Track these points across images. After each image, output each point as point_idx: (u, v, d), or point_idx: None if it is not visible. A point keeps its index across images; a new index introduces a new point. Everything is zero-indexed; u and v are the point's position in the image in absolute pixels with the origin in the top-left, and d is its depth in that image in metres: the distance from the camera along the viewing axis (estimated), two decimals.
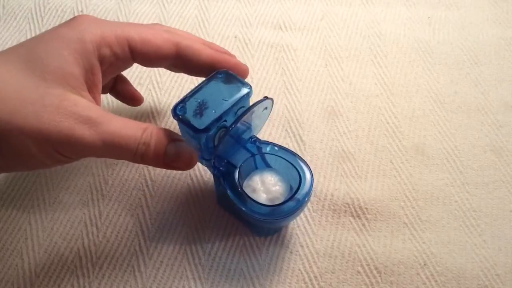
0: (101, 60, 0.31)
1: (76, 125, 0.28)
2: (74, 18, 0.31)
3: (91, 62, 0.30)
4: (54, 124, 0.27)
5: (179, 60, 0.35)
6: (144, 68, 0.50)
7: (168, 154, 0.31)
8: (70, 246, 0.39)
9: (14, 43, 0.51)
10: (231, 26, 0.54)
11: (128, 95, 0.43)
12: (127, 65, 0.35)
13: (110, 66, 0.32)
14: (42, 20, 0.53)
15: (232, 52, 0.52)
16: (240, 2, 0.56)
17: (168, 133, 0.32)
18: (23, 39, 0.51)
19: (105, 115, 0.29)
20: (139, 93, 0.44)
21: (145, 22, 0.54)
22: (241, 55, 0.52)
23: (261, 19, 0.55)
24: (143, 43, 0.32)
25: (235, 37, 0.53)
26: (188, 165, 0.32)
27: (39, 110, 0.27)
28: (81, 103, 0.29)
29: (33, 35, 0.52)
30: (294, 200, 0.35)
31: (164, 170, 0.43)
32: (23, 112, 0.27)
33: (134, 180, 0.43)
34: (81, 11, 0.54)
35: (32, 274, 0.38)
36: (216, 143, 0.35)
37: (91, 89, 0.31)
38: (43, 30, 0.53)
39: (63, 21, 0.53)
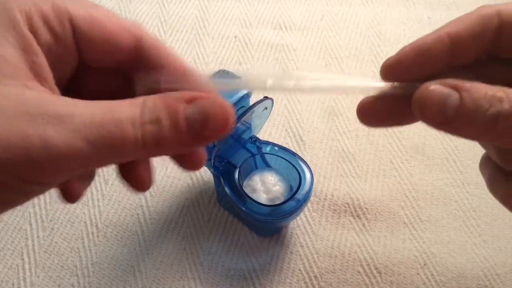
0: (34, 35, 0.20)
1: (34, 130, 0.17)
2: None
3: (24, 37, 0.19)
4: (5, 140, 0.17)
5: (136, 60, 0.23)
6: None
7: (192, 120, 0.20)
8: (70, 246, 0.39)
9: None
10: (231, 26, 0.54)
11: (133, 175, 0.25)
12: (69, 54, 0.22)
13: (49, 51, 0.21)
14: None
15: (232, 52, 0.52)
16: (240, 2, 0.56)
17: (178, 94, 0.21)
18: None
19: (76, 103, 0.19)
20: (150, 174, 0.25)
21: (145, 22, 0.54)
22: (241, 55, 0.52)
23: (261, 19, 0.55)
24: (92, 22, 0.22)
25: (235, 37, 0.53)
26: (226, 124, 0.20)
27: None
28: (30, 98, 0.18)
29: None
30: (294, 200, 0.35)
31: (164, 169, 0.43)
32: None
33: None
34: None
35: (32, 274, 0.38)
36: (216, 143, 0.35)
37: (38, 75, 0.20)
38: None
39: None
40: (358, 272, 0.39)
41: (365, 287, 0.38)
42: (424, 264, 0.39)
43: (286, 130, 0.46)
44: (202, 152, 0.24)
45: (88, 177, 0.25)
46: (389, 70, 0.25)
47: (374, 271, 0.39)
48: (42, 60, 0.20)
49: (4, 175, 0.17)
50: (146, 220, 0.41)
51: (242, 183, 0.37)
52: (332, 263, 0.39)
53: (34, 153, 0.17)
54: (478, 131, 0.21)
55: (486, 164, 0.28)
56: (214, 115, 0.20)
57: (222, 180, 0.37)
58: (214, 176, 0.38)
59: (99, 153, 0.19)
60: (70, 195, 0.23)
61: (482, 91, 0.21)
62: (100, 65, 0.23)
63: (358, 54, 0.52)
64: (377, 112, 0.25)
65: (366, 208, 0.42)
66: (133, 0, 0.56)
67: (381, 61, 0.52)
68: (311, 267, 0.39)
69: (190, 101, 0.20)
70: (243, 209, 0.35)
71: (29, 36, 0.19)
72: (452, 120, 0.21)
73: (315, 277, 0.39)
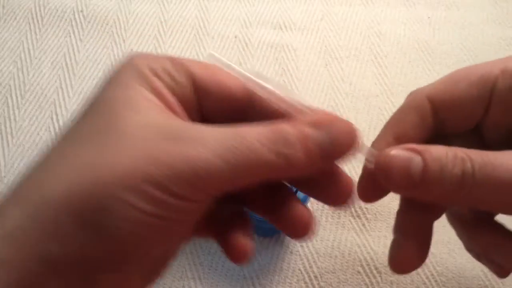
0: (157, 76, 0.22)
1: (176, 149, 0.19)
2: (121, 62, 0.23)
3: (153, 83, 0.21)
4: (153, 158, 0.19)
5: (251, 108, 0.24)
6: None
7: (321, 144, 0.21)
8: None
9: (14, 43, 0.51)
10: (231, 26, 0.54)
11: (230, 244, 0.24)
12: (190, 104, 0.23)
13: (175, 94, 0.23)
14: (42, 20, 0.53)
15: (232, 52, 0.52)
16: (240, 2, 0.56)
17: (304, 118, 0.22)
18: (23, 39, 0.52)
19: (207, 127, 0.20)
20: (248, 243, 0.24)
21: (145, 22, 0.54)
22: (241, 55, 0.52)
23: (261, 19, 0.55)
24: (208, 74, 0.23)
25: (235, 37, 0.53)
26: (353, 143, 0.22)
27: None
28: (169, 124, 0.20)
29: (33, 35, 0.52)
30: None
31: None
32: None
33: None
34: (81, 11, 0.54)
35: None
36: None
37: (171, 110, 0.22)
38: (43, 30, 0.53)
39: (63, 21, 0.53)
40: (358, 272, 0.39)
41: (365, 287, 0.38)
42: (424, 264, 0.39)
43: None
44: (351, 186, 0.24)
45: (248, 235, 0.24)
46: (361, 192, 0.26)
47: (374, 271, 0.39)
48: (172, 99, 0.22)
49: (153, 187, 0.18)
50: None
51: None
52: (332, 263, 0.39)
53: (178, 168, 0.18)
54: (447, 192, 0.21)
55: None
56: (342, 136, 0.22)
57: None
58: None
59: (234, 171, 0.19)
60: (234, 252, 0.23)
61: (443, 152, 0.21)
62: (217, 115, 0.24)
63: (358, 54, 0.52)
64: (373, 188, 0.26)
65: (366, 208, 0.42)
66: (133, 0, 0.56)
67: (381, 61, 0.52)
68: (311, 267, 0.39)
69: (315, 124, 0.21)
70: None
71: (159, 83, 0.22)
72: (419, 183, 0.21)
73: (315, 277, 0.39)
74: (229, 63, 0.24)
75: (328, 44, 0.53)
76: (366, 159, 0.23)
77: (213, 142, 0.19)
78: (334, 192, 0.23)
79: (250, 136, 0.20)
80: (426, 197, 0.22)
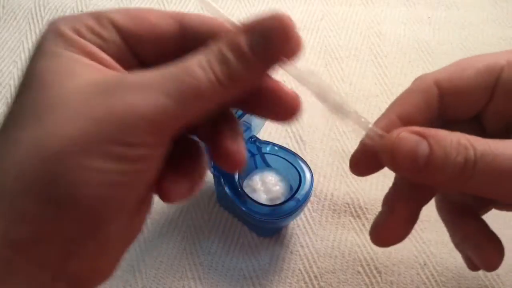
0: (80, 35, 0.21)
1: (117, 100, 0.19)
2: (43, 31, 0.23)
3: (76, 42, 0.21)
4: (94, 117, 0.18)
5: (185, 38, 0.23)
6: None
7: (255, 46, 0.20)
8: None
9: (14, 43, 0.51)
10: None
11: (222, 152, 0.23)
12: (123, 55, 0.23)
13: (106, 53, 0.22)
14: (42, 20, 0.53)
15: None
16: (240, 2, 0.56)
17: (235, 29, 0.21)
18: (23, 39, 0.52)
19: (146, 71, 0.20)
20: (242, 150, 0.23)
21: None
22: None
23: None
24: (132, 19, 0.22)
25: None
26: (288, 35, 0.20)
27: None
28: (103, 78, 0.20)
29: (33, 35, 0.52)
30: (294, 200, 0.35)
31: None
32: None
33: None
34: (81, 11, 0.54)
35: None
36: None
37: (106, 66, 0.21)
38: (43, 30, 0.53)
39: None
40: (358, 272, 0.39)
41: (365, 287, 0.38)
42: (424, 264, 0.39)
43: (286, 130, 0.46)
44: (241, 150, 0.23)
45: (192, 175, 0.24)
46: (354, 165, 0.26)
47: (374, 271, 0.39)
48: (103, 55, 0.21)
49: (107, 144, 0.18)
50: (146, 220, 0.41)
51: (242, 183, 0.37)
52: (332, 263, 0.39)
53: (127, 118, 0.18)
54: (448, 179, 0.21)
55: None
56: (274, 31, 0.20)
57: (222, 180, 0.37)
58: (214, 176, 0.38)
59: (181, 104, 0.19)
60: (165, 194, 0.23)
61: (448, 138, 0.21)
62: (155, 60, 0.23)
63: (358, 54, 0.52)
64: (366, 163, 0.26)
65: (366, 208, 0.42)
66: (133, 0, 0.56)
67: (381, 61, 0.52)
68: (311, 267, 0.39)
69: (248, 30, 0.20)
70: (243, 209, 0.35)
71: (84, 42, 0.21)
72: (423, 168, 0.21)
73: (315, 277, 0.39)
74: (214, 5, 0.24)
75: (328, 44, 0.53)
76: (367, 136, 0.23)
77: (155, 82, 0.19)
78: (279, 107, 0.23)
79: (191, 64, 0.20)
80: (427, 181, 0.22)
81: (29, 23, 0.53)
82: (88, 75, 0.20)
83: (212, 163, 0.36)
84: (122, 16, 0.22)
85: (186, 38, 0.23)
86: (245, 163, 0.23)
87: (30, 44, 0.51)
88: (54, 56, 0.20)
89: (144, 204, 0.23)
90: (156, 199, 0.43)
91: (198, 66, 0.20)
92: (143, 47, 0.23)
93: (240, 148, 0.22)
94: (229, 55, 0.20)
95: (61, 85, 0.19)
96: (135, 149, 0.19)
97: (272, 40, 0.20)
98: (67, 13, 0.54)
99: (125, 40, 0.22)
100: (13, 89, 0.48)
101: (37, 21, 0.53)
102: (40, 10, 0.54)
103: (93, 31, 0.22)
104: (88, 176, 0.18)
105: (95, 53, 0.21)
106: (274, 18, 0.20)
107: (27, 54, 0.51)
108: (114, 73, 0.21)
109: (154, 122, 0.19)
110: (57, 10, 0.54)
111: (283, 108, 0.24)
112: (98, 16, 0.22)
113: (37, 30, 0.53)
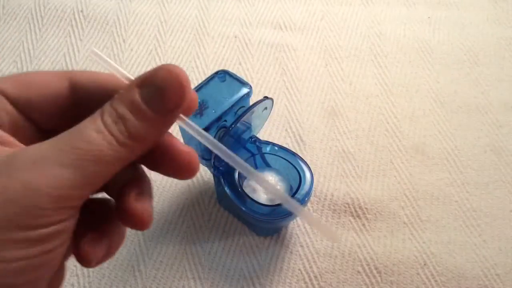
0: None
1: (12, 181, 0.17)
2: None
3: None
4: None
5: (78, 96, 0.22)
6: (144, 68, 0.50)
7: (150, 99, 0.20)
8: None
9: (14, 43, 0.51)
10: (231, 26, 0.54)
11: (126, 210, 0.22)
12: (22, 124, 0.22)
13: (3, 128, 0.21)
14: (42, 20, 0.53)
15: (232, 52, 0.52)
16: (240, 2, 0.56)
17: (128, 85, 0.21)
18: (23, 39, 0.52)
19: (42, 143, 0.19)
20: (148, 210, 0.22)
21: (145, 22, 0.54)
22: (241, 55, 0.52)
23: (261, 19, 0.55)
24: (20, 86, 0.22)
25: (235, 37, 0.53)
26: (183, 87, 0.20)
27: None
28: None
29: (33, 35, 0.52)
30: (294, 199, 0.35)
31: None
32: None
33: None
34: (81, 11, 0.54)
35: None
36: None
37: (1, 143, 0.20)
38: (43, 30, 0.53)
39: (63, 21, 0.53)
40: (358, 272, 0.39)
41: (365, 287, 0.38)
42: (424, 264, 0.39)
43: (286, 130, 0.46)
44: (192, 155, 0.22)
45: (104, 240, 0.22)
46: None
47: (374, 271, 0.39)
48: (2, 137, 0.20)
49: (9, 231, 0.17)
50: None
51: (242, 183, 0.37)
52: (332, 263, 0.39)
53: (24, 200, 0.17)
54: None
55: None
56: (168, 83, 0.20)
57: (222, 180, 0.37)
58: (214, 176, 0.38)
59: (82, 172, 0.18)
60: (83, 258, 0.21)
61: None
62: (52, 123, 0.23)
63: (358, 54, 0.52)
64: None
65: (366, 208, 0.42)
66: (133, 0, 0.56)
67: (381, 61, 0.52)
68: (311, 267, 0.39)
69: (141, 84, 0.20)
70: (243, 209, 0.35)
71: None
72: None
73: (315, 277, 0.39)
74: (108, 59, 0.23)
75: (328, 44, 0.53)
76: None
77: (51, 154, 0.18)
78: (176, 164, 0.22)
79: (87, 128, 0.19)
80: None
81: (29, 23, 0.53)
82: None
83: (213, 163, 0.36)
84: (10, 84, 0.21)
85: (78, 97, 0.22)
86: (151, 223, 0.21)
87: (30, 44, 0.51)
88: None
89: (59, 272, 0.21)
90: (156, 199, 0.44)
91: (94, 131, 0.19)
92: (36, 111, 0.22)
93: (146, 208, 0.21)
94: (125, 113, 0.19)
95: None
96: (41, 229, 0.17)
97: (167, 91, 0.20)
98: (67, 13, 0.54)
99: (17, 108, 0.21)
100: None
101: (37, 21, 0.53)
102: (40, 10, 0.54)
103: None
104: None
105: None
106: (167, 69, 0.20)
107: (27, 54, 0.51)
108: (5, 151, 0.19)
109: (57, 197, 0.17)
110: (57, 10, 0.54)
111: (179, 165, 0.22)
112: None
113: (37, 30, 0.53)
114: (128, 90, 0.20)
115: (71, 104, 0.22)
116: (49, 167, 0.18)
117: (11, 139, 0.20)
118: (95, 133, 0.19)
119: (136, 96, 0.20)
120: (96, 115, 0.19)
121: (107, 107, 0.20)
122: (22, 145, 0.20)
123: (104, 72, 0.23)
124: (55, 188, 0.17)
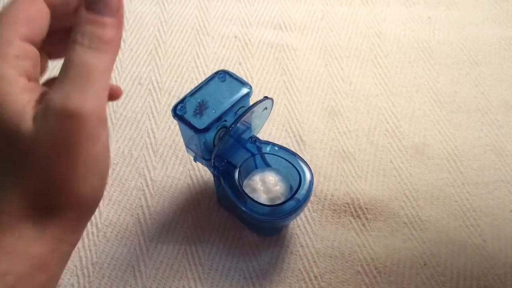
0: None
1: None
2: None
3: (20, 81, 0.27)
4: None
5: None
6: (144, 68, 0.50)
7: (98, 10, 0.26)
8: None
9: None
10: (231, 26, 0.54)
11: None
12: (43, 18, 0.29)
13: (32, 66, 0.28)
14: None
15: (232, 52, 0.52)
16: (240, 2, 0.56)
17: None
18: None
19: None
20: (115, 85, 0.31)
21: (145, 22, 0.54)
22: (241, 55, 0.52)
23: (261, 19, 0.55)
24: (32, 25, 0.28)
25: (235, 37, 0.53)
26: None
27: None
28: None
29: None
30: (294, 200, 0.35)
31: (164, 169, 0.43)
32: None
33: (134, 180, 0.43)
34: None
35: None
36: (216, 142, 0.35)
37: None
38: None
39: None
40: (358, 272, 0.39)
41: (365, 287, 0.38)
42: (424, 264, 0.39)
43: (286, 130, 0.46)
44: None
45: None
46: None
47: (374, 271, 0.39)
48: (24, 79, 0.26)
49: None
50: (146, 220, 0.41)
51: (242, 183, 0.37)
52: (332, 263, 0.39)
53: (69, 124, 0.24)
54: None
55: None
56: None
57: (222, 180, 0.37)
58: (214, 176, 0.38)
59: (94, 84, 0.25)
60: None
61: None
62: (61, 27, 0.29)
63: (358, 54, 0.52)
64: None
65: (366, 208, 0.42)
66: (133, 0, 0.56)
67: (381, 61, 0.52)
68: (311, 267, 0.39)
69: (88, 5, 0.26)
70: (243, 209, 0.35)
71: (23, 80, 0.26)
72: None
73: (315, 277, 0.39)
74: None
75: (328, 44, 0.53)
76: None
77: (68, 89, 0.25)
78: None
79: (82, 56, 0.26)
80: None
81: None
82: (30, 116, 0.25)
83: (213, 163, 0.36)
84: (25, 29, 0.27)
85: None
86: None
87: None
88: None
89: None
90: (156, 199, 0.44)
91: (85, 55, 0.25)
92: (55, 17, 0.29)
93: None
94: (93, 30, 0.26)
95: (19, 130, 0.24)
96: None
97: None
98: None
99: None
100: None
101: None
102: None
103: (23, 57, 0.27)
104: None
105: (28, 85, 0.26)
106: None
107: None
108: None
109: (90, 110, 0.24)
110: None
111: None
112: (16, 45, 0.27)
113: None
114: (80, 12, 0.26)
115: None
116: (77, 96, 0.25)
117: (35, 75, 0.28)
118: (87, 56, 0.26)
119: (87, 14, 0.26)
120: (75, 41, 0.26)
121: (77, 32, 0.26)
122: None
123: None
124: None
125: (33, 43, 0.27)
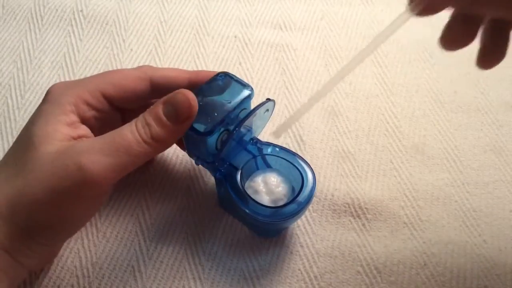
0: (83, 115, 0.33)
1: (70, 161, 0.29)
2: (48, 91, 0.33)
3: (70, 116, 0.32)
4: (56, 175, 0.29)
5: (157, 92, 0.35)
6: None
7: (168, 113, 0.30)
8: (70, 246, 0.39)
9: (14, 43, 0.51)
10: (231, 26, 0.54)
11: None
12: (114, 114, 0.35)
13: (97, 119, 0.34)
14: (42, 20, 0.53)
15: (232, 52, 0.52)
16: (240, 2, 0.56)
17: (157, 101, 0.32)
18: (23, 39, 0.51)
19: (90, 139, 0.31)
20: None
21: (145, 22, 0.54)
22: (241, 55, 0.52)
23: (261, 19, 0.55)
24: (116, 89, 0.33)
25: (235, 37, 0.53)
26: (191, 106, 0.31)
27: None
28: (64, 146, 0.30)
29: (33, 35, 0.52)
30: (297, 201, 0.35)
31: (164, 169, 0.43)
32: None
33: (134, 180, 0.43)
34: (81, 10, 0.54)
35: (32, 274, 0.38)
36: (218, 145, 0.35)
37: (77, 137, 0.32)
38: (42, 30, 0.52)
39: (62, 21, 0.53)
40: (358, 272, 0.39)
41: (365, 287, 0.38)
42: (424, 264, 0.39)
43: (286, 130, 0.46)
44: (187, 95, 0.32)
45: None
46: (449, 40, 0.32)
47: (374, 271, 0.39)
48: (81, 132, 0.32)
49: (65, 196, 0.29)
50: (146, 220, 0.41)
51: (244, 184, 0.37)
52: (332, 263, 0.39)
53: (73, 175, 0.28)
54: None
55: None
56: (181, 103, 0.30)
57: (224, 182, 0.37)
58: (216, 178, 0.38)
59: (117, 158, 0.29)
60: None
61: None
62: (137, 106, 0.36)
63: None
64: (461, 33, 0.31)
65: (366, 208, 0.42)
66: (133, 0, 0.56)
67: (381, 61, 0.52)
68: (311, 267, 0.39)
69: (165, 101, 0.31)
70: (246, 211, 0.35)
71: (74, 117, 0.32)
72: None
73: (315, 277, 0.39)
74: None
75: (328, 44, 0.53)
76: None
77: (98, 146, 0.29)
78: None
79: (123, 130, 0.30)
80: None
81: (29, 23, 0.53)
82: (59, 142, 0.30)
83: (215, 165, 0.36)
84: (110, 87, 0.33)
85: (154, 89, 0.35)
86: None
87: (30, 44, 0.51)
88: (48, 124, 0.30)
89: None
90: (156, 199, 0.44)
91: (129, 131, 0.29)
92: (125, 104, 0.35)
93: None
94: (151, 121, 0.30)
95: (40, 152, 0.29)
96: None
97: (180, 108, 0.30)
98: (67, 13, 0.54)
99: (111, 103, 0.34)
100: (13, 89, 0.48)
101: (37, 21, 0.53)
102: (40, 10, 0.54)
103: (88, 104, 0.33)
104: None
105: (77, 128, 0.32)
106: (182, 93, 0.31)
107: (27, 54, 0.51)
108: (73, 143, 0.30)
109: (96, 175, 0.28)
110: (57, 10, 0.54)
111: None
112: (92, 91, 0.33)
113: (37, 30, 0.52)
114: (156, 105, 0.31)
115: (149, 94, 0.35)
116: (95, 155, 0.28)
117: (90, 133, 0.33)
118: (129, 133, 0.29)
119: (160, 110, 0.30)
120: (133, 122, 0.30)
121: (140, 116, 0.30)
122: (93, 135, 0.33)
123: (172, 68, 0.38)
124: (98, 170, 0.28)
125: (109, 99, 0.33)
